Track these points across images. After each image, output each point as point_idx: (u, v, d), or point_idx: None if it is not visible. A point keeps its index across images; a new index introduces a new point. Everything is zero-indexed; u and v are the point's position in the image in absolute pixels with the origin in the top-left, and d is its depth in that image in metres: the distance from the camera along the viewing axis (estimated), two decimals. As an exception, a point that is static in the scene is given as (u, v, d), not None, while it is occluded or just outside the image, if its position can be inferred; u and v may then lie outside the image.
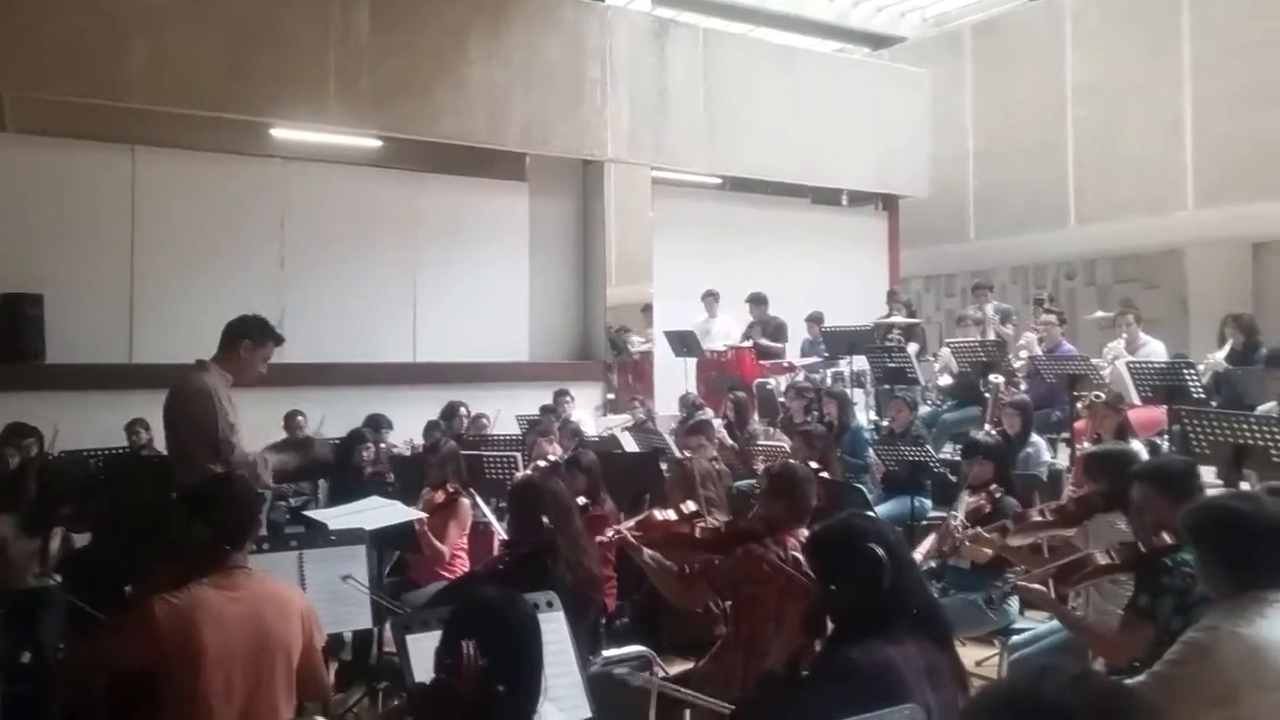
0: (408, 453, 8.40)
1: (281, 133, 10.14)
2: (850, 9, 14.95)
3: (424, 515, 5.33)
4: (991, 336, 9.72)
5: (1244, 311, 8.34)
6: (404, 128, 10.21)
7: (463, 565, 5.92)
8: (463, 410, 8.52)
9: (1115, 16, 12.68)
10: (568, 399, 9.94)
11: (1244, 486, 5.44)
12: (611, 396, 11.57)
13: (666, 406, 10.83)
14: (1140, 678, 2.81)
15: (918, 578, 2.80)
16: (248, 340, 4.62)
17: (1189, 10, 11.90)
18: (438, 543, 5.44)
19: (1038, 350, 8.97)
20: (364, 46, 9.81)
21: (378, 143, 10.64)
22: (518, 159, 11.37)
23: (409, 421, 8.98)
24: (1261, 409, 5.55)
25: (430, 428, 8.79)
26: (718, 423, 8.42)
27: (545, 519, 3.65)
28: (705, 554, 4.17)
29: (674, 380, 11.15)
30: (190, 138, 9.81)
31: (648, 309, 11.94)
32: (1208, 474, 5.57)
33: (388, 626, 3.87)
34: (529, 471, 6.97)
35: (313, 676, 3.16)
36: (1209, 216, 11.69)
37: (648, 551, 4.18)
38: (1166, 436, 7.36)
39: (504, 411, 9.44)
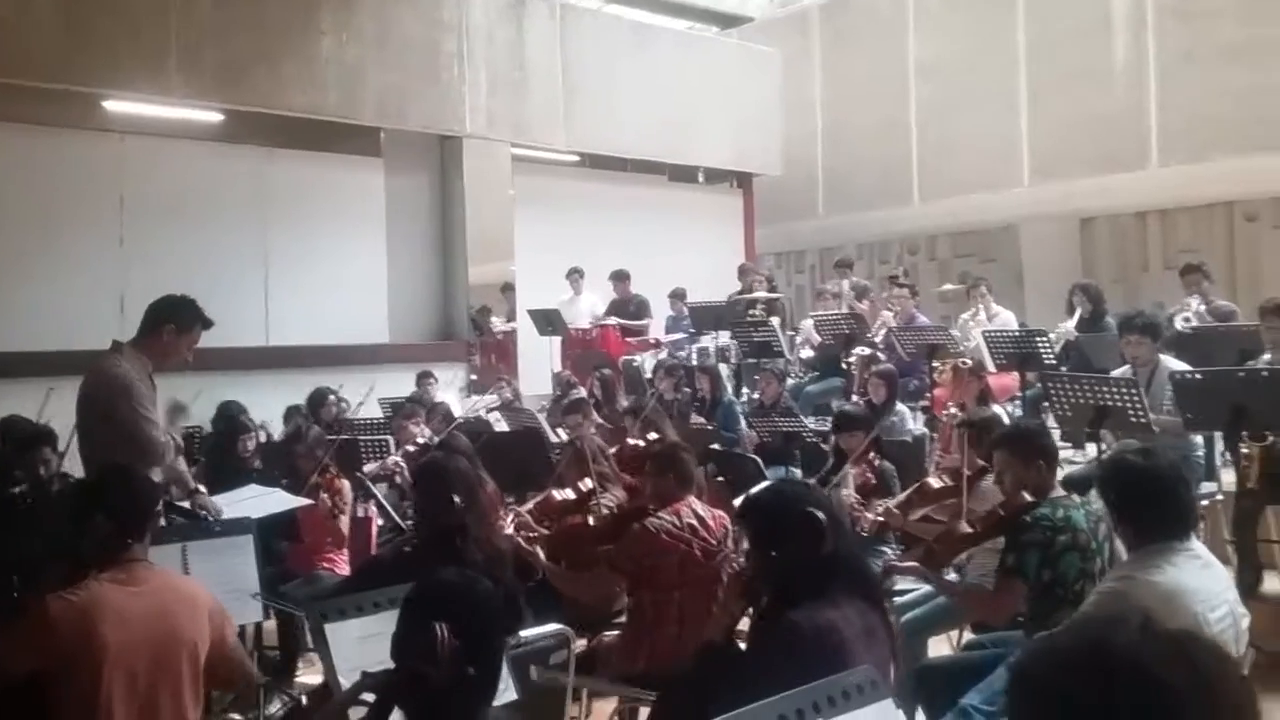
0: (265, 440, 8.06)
1: (117, 105, 9.54)
2: (700, -13, 15.09)
3: (310, 502, 5.13)
4: (845, 310, 10.00)
5: (1091, 281, 8.81)
6: (251, 101, 9.75)
7: (342, 555, 5.75)
8: (332, 397, 8.24)
9: None
10: (431, 380, 9.74)
11: (1092, 448, 5.80)
12: (474, 377, 11.40)
13: (532, 386, 10.75)
14: (1061, 629, 2.93)
15: (851, 539, 2.85)
16: (172, 324, 4.31)
17: (1023, -6, 12.48)
18: (341, 528, 5.27)
19: (893, 324, 9.27)
20: (207, 14, 9.32)
21: (220, 116, 10.14)
22: (372, 134, 11.02)
23: (264, 408, 8.60)
24: (1117, 372, 5.87)
25: (291, 414, 8.46)
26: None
27: (455, 498, 3.55)
28: (603, 542, 4.22)
29: (538, 359, 11.07)
30: (18, 110, 9.11)
31: (509, 288, 11.80)
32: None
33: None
34: (399, 457, 6.89)
35: (233, 670, 3.02)
36: (1042, 193, 12.28)
37: (545, 560, 4.22)
38: (1019, 401, 7.74)
39: (370, 393, 9.17)
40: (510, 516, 4.65)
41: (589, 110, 11.97)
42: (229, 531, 4.13)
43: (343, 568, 5.62)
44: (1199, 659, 1.05)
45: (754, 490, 3.08)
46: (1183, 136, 11.12)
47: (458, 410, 9.17)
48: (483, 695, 1.98)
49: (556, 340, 11.05)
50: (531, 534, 4.43)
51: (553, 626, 3.48)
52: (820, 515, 2.62)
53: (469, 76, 11.03)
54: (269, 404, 8.69)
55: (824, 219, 14.39)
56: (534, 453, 6.71)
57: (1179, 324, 7.39)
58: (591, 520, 4.57)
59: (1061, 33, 11.97)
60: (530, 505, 4.95)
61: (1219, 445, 5.86)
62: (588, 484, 4.75)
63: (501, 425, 8.40)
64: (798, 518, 2.63)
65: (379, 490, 6.28)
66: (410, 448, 7.06)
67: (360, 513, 6.14)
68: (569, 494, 4.75)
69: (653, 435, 6.13)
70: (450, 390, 10.24)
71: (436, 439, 7.49)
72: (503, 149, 11.67)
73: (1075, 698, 1.02)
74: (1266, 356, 5.55)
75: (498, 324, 11.72)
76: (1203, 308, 7.91)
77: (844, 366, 8.98)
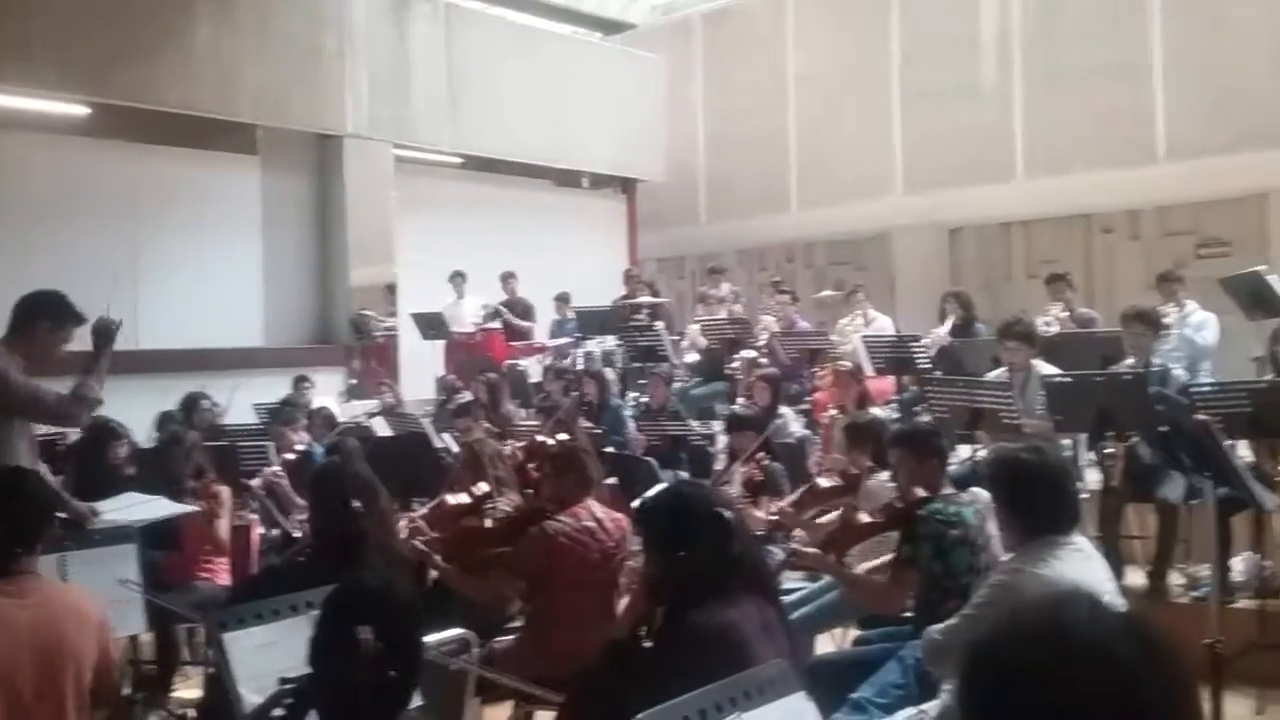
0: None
1: (-29, 96, 9.06)
2: (584, -7, 15.12)
3: (193, 509, 4.97)
4: (726, 315, 10.18)
5: (962, 289, 9.16)
6: (122, 94, 9.37)
7: (222, 563, 5.58)
8: (204, 402, 7.97)
9: (831, 11, 13.50)
10: (308, 385, 9.51)
11: (965, 449, 6.05)
12: (354, 382, 11.20)
13: (414, 391, 10.61)
14: (952, 620, 3.07)
15: (753, 539, 2.92)
16: (46, 320, 4.09)
17: (897, 8, 12.87)
18: (220, 536, 5.10)
19: (776, 328, 9.48)
20: (75, 3, 8.91)
21: (88, 110, 9.71)
22: (249, 131, 10.73)
23: (133, 414, 8.27)
24: (992, 375, 6.13)
25: (164, 420, 8.15)
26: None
27: (353, 503, 3.50)
28: (499, 545, 4.20)
29: (420, 364, 10.93)
30: None
31: (391, 290, 11.62)
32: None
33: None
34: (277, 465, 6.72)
35: (108, 688, 2.91)
36: (914, 203, 12.69)
37: (441, 563, 4.18)
38: (896, 404, 8.00)
39: (234, 392, 8.90)
40: (403, 522, 4.59)
41: (473, 112, 11.88)
42: (110, 540, 3.98)
43: (223, 577, 5.46)
44: (1150, 636, 1.10)
45: (657, 492, 3.12)
46: (1045, 151, 11.65)
47: (337, 415, 9.00)
48: (401, 698, 1.97)
49: (439, 344, 10.93)
50: (425, 539, 4.39)
51: (454, 631, 3.45)
52: (727, 514, 2.67)
53: (350, 75, 10.84)
54: (137, 409, 8.35)
55: (705, 225, 14.58)
56: (421, 458, 6.64)
57: (1041, 328, 7.75)
58: (488, 523, 4.54)
59: (933, 50, 12.41)
60: (423, 511, 4.90)
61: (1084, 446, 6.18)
62: (483, 488, 4.72)
63: (384, 430, 8.28)
64: (706, 518, 2.68)
65: (262, 496, 6.13)
66: (290, 455, 6.91)
67: (238, 520, 5.98)
68: (463, 498, 4.71)
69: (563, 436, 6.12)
70: (328, 395, 10.03)
71: (318, 445, 7.36)
72: (385, 149, 11.49)
73: (1035, 677, 1.06)
74: (1128, 361, 5.86)
75: (379, 327, 11.53)
76: (1065, 314, 8.32)
77: (728, 370, 9.13)
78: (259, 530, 6.28)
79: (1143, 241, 11.38)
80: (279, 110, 10.41)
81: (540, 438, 6.21)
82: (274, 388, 9.25)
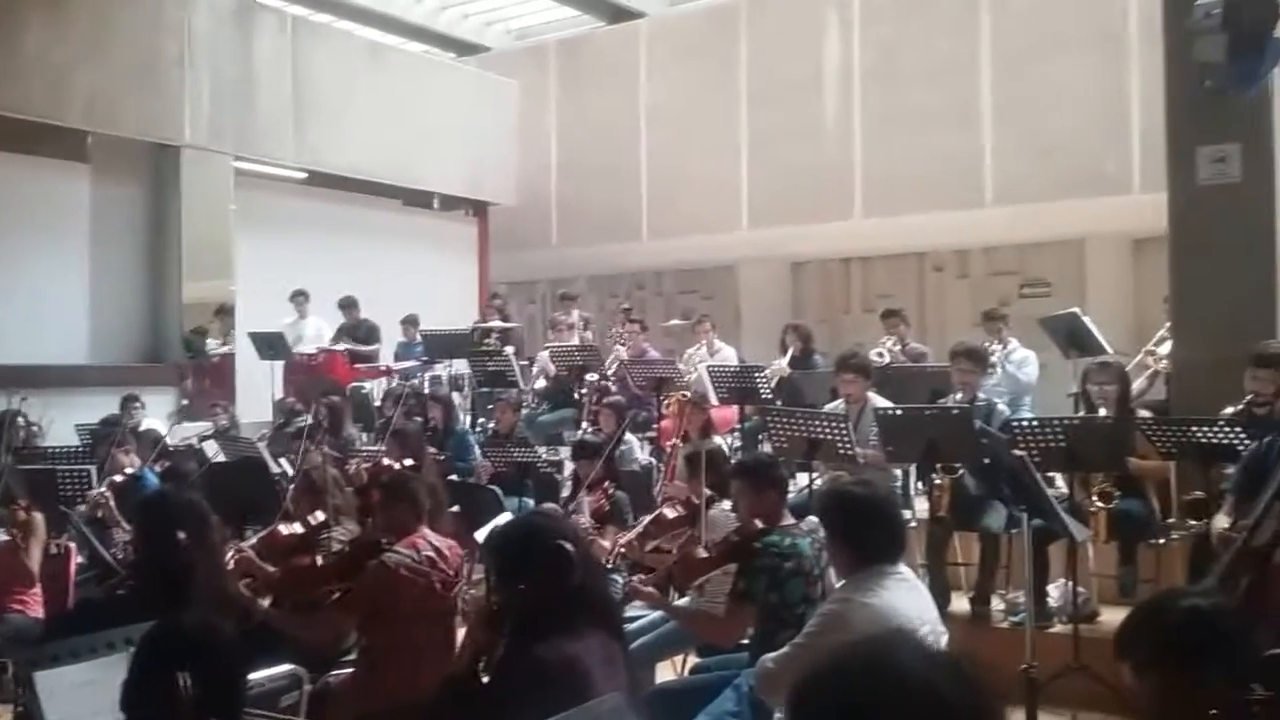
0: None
1: None
2: (438, 12, 14.98)
3: (5, 538, 4.67)
4: (576, 342, 10.22)
5: (802, 322, 9.44)
6: (-61, 94, 8.81)
7: (34, 594, 5.26)
8: (21, 420, 7.51)
9: (682, 47, 13.77)
10: (137, 405, 9.08)
11: (804, 478, 6.23)
12: (186, 402, 10.74)
13: (251, 413, 10.24)
14: (784, 649, 3.15)
15: (599, 571, 2.93)
16: None
17: (745, 47, 13.23)
18: (31, 565, 4.80)
19: (625, 356, 9.56)
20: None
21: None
22: (79, 137, 10.21)
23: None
24: (829, 407, 6.33)
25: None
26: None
27: (181, 535, 3.35)
28: (333, 582, 4.08)
29: (258, 385, 10.55)
30: None
31: (228, 308, 11.20)
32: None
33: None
34: (105, 489, 6.38)
35: None
36: (759, 236, 13.03)
37: (268, 609, 4.04)
38: (739, 433, 8.18)
39: (57, 420, 8.44)
40: (231, 553, 4.42)
41: (320, 127, 11.62)
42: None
43: (35, 608, 5.15)
44: (969, 675, 1.15)
45: (503, 523, 3.10)
46: (882, 191, 12.15)
47: (166, 438, 8.62)
48: (226, 742, 1.90)
49: (279, 365, 10.58)
50: (252, 579, 4.21)
51: (284, 667, 3.34)
52: (570, 548, 2.68)
53: (190, 84, 10.45)
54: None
55: (557, 250, 14.61)
56: (256, 484, 6.43)
57: (873, 358, 8.07)
58: (320, 558, 4.40)
59: (779, 89, 12.79)
60: (254, 541, 4.73)
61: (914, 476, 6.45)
62: (319, 517, 4.59)
63: (218, 454, 7.98)
64: (549, 550, 2.67)
65: (80, 522, 5.80)
66: (118, 478, 6.58)
67: (54, 549, 5.65)
68: (297, 528, 4.56)
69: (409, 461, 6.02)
70: (157, 416, 9.59)
71: (148, 469, 7.03)
72: (225, 162, 11.11)
73: (858, 713, 1.10)
74: (956, 396, 6.15)
75: (214, 346, 11.10)
76: (898, 348, 8.68)
77: (577, 397, 9.15)
78: (79, 559, 5.95)
79: (971, 280, 11.97)
80: (113, 117, 9.95)
81: (386, 460, 6.12)
82: (100, 407, 8.79)
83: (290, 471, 6.82)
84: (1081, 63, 10.74)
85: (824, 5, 12.54)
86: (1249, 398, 5.06)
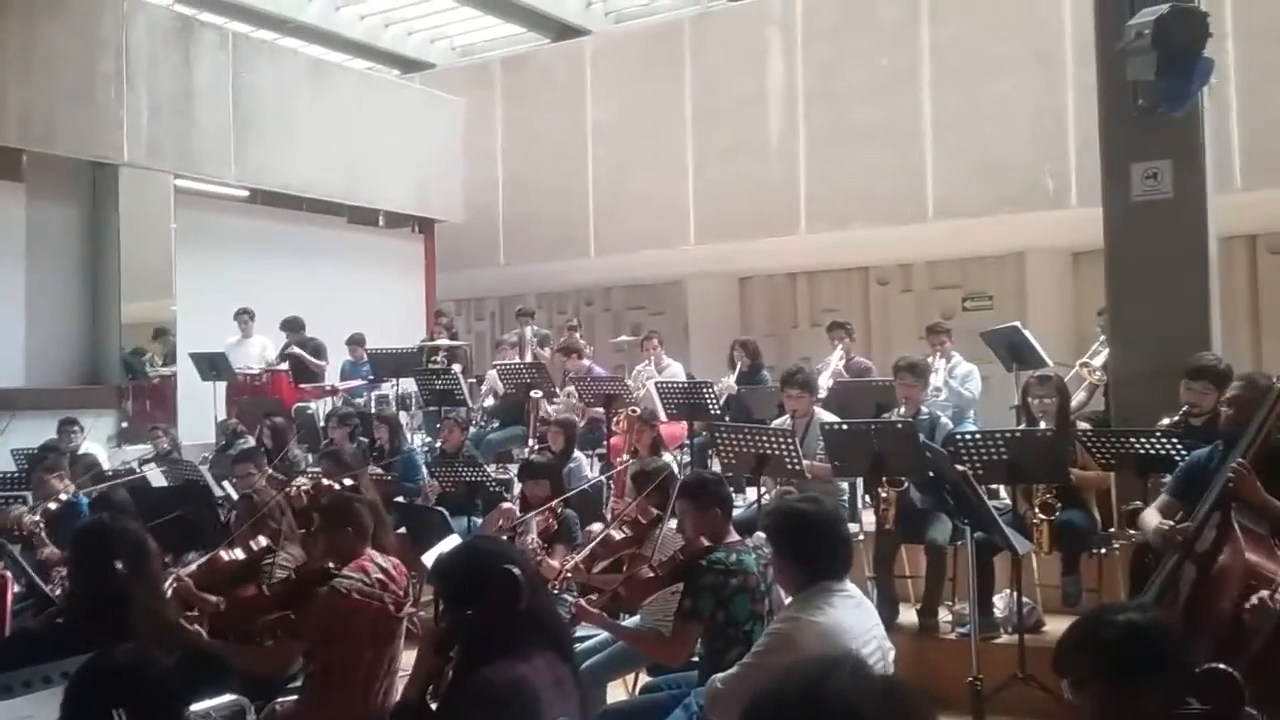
0: None
1: None
2: (382, 30, 14.91)
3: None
4: (529, 359, 10.18)
5: (749, 338, 9.49)
6: None
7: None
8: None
9: (627, 64, 13.83)
10: (75, 429, 8.90)
11: (752, 492, 6.25)
12: (126, 425, 10.54)
13: (193, 435, 10.08)
14: (733, 670, 3.15)
15: (546, 593, 2.91)
16: None
17: (690, 65, 13.32)
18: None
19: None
20: None
21: None
22: (13, 156, 9.99)
23: None
24: (777, 423, 6.37)
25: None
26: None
27: (118, 564, 3.28)
28: (281, 609, 4.01)
29: (200, 406, 10.39)
30: None
31: (169, 329, 11.02)
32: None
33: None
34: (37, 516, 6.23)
35: None
36: (706, 252, 13.09)
37: (210, 641, 3.95)
38: (688, 449, 8.20)
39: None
40: (170, 581, 4.32)
41: (262, 144, 11.49)
42: None
43: (-34, 641, 5.00)
44: (905, 701, 1.18)
45: (449, 548, 3.07)
46: (827, 207, 12.27)
47: (106, 463, 8.45)
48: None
49: (221, 386, 10.42)
50: (192, 612, 4.12)
51: (227, 698, 3.28)
52: (518, 572, 2.66)
53: (128, 100, 10.28)
54: None
55: (505, 268, 14.58)
56: (198, 509, 6.31)
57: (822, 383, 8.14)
58: (264, 586, 4.31)
59: (724, 106, 12.89)
60: (193, 567, 4.63)
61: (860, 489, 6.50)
62: (262, 542, 4.52)
63: (159, 479, 7.84)
64: (496, 575, 2.66)
65: (15, 551, 5.65)
66: (52, 504, 6.42)
67: (-11, 578, 5.50)
68: (238, 554, 4.48)
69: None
70: (96, 441, 9.40)
71: (84, 495, 6.87)
72: (164, 180, 10.94)
73: None
74: (900, 410, 6.22)
75: (154, 367, 10.92)
76: (843, 362, 8.77)
77: (526, 415, 9.11)
78: (15, 588, 5.79)
79: (915, 294, 12.14)
80: (48, 135, 9.77)
81: (327, 481, 6.02)
82: (37, 432, 8.61)
83: (234, 495, 6.73)
84: (1019, 80, 10.96)
85: (766, 24, 12.67)
86: (1185, 409, 5.16)
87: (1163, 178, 5.96)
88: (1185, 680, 2.04)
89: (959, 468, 4.59)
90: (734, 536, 3.97)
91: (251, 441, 8.38)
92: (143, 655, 1.97)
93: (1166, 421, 5.23)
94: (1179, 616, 3.49)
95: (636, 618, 4.61)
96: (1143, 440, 5.15)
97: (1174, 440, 4.99)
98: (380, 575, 3.88)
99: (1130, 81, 5.66)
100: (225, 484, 7.27)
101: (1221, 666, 2.19)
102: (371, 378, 10.33)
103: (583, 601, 4.32)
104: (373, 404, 9.87)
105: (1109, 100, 6.17)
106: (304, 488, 6.31)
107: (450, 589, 2.77)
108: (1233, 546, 3.54)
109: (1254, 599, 3.21)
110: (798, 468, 5.74)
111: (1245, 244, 10.14)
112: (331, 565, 3.93)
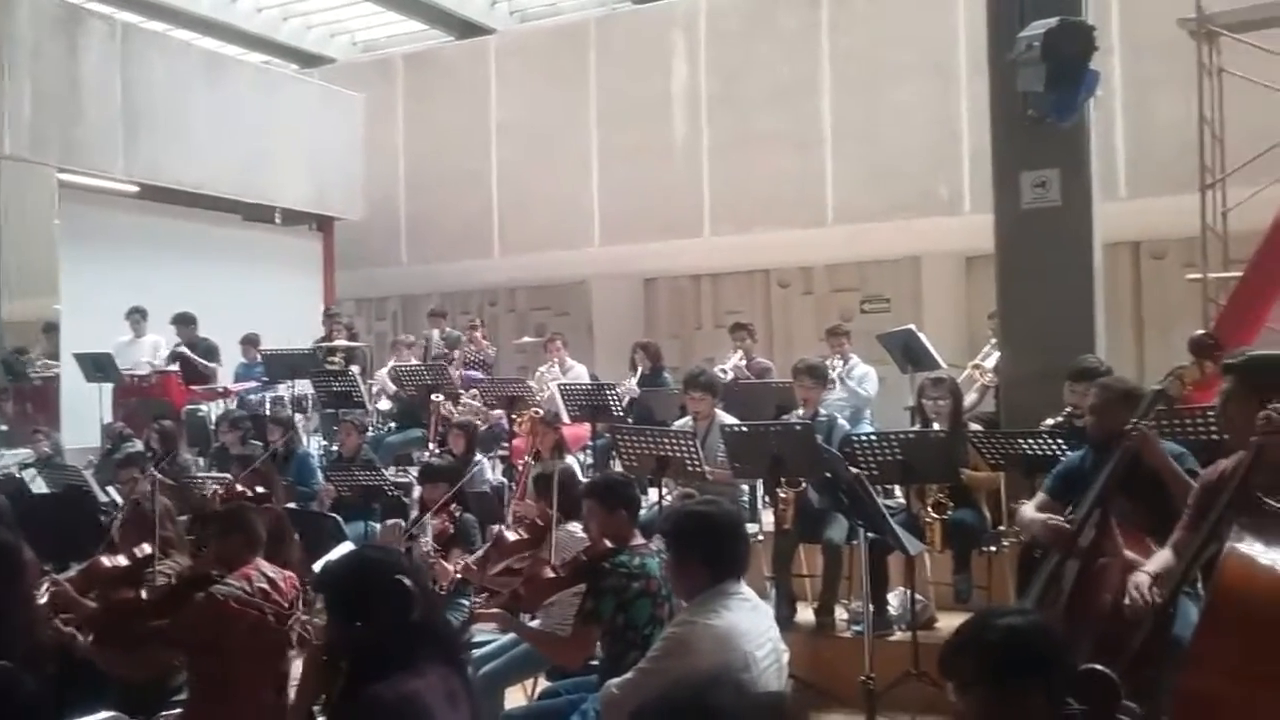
0: None
1: None
2: (280, 23, 14.55)
3: None
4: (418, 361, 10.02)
5: (650, 341, 9.52)
6: None
7: None
8: None
9: (532, 63, 13.76)
10: (-50, 432, 8.52)
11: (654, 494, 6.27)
12: (5, 428, 10.10)
13: (77, 438, 9.72)
14: (628, 675, 3.14)
15: (439, 605, 2.86)
16: None
17: (594, 66, 13.31)
18: None
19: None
20: None
21: None
22: (-117, 149, 9.53)
23: None
24: (678, 424, 6.40)
25: None
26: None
27: (-12, 579, 3.13)
28: (159, 615, 3.88)
29: (86, 408, 10.01)
30: None
31: (52, 327, 10.59)
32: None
33: None
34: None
35: None
36: (611, 253, 13.10)
37: (87, 646, 3.81)
38: (591, 450, 8.19)
39: None
40: (45, 586, 4.15)
41: (152, 139, 11.12)
42: None
43: None
44: (786, 716, 1.19)
45: (337, 558, 2.99)
46: (730, 210, 12.40)
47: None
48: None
49: (107, 388, 10.06)
50: (67, 616, 3.97)
51: (103, 714, 3.16)
52: (408, 583, 2.61)
53: (10, 91, 9.86)
54: None
55: (407, 266, 14.37)
56: (80, 515, 6.10)
57: (719, 373, 8.20)
58: (145, 592, 4.18)
59: (629, 108, 12.92)
60: (73, 573, 4.46)
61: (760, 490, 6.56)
62: (146, 549, 4.36)
63: (39, 484, 7.54)
64: (385, 586, 2.60)
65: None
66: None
67: None
68: (120, 560, 4.32)
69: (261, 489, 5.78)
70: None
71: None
72: (48, 174, 10.50)
73: None
74: (799, 411, 6.29)
75: (36, 367, 10.48)
76: (743, 363, 8.85)
77: (423, 417, 8.99)
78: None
79: (815, 296, 12.31)
80: (-79, 126, 9.33)
81: (239, 486, 5.87)
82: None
83: (120, 501, 6.50)
84: (915, 90, 11.21)
85: (670, 28, 12.73)
86: (1068, 410, 5.33)
87: (1051, 186, 6.15)
88: (1066, 681, 2.10)
89: (853, 470, 4.66)
90: (638, 540, 3.96)
91: (139, 445, 8.10)
92: (9, 674, 1.88)
93: (1050, 422, 5.39)
94: (1062, 613, 3.59)
95: (537, 620, 4.59)
96: (1030, 441, 5.30)
97: (1059, 441, 5.15)
98: (264, 585, 3.77)
99: (1021, 92, 5.83)
100: (110, 490, 7.02)
101: (1097, 667, 2.25)
102: (266, 379, 10.07)
103: (480, 601, 4.27)
104: (267, 406, 9.62)
105: (1000, 110, 6.34)
106: (217, 492, 6.15)
107: (336, 599, 2.69)
108: (1112, 543, 3.66)
109: (1132, 589, 3.30)
110: (699, 469, 5.77)
111: (1129, 250, 10.51)
112: (216, 572, 3.83)
